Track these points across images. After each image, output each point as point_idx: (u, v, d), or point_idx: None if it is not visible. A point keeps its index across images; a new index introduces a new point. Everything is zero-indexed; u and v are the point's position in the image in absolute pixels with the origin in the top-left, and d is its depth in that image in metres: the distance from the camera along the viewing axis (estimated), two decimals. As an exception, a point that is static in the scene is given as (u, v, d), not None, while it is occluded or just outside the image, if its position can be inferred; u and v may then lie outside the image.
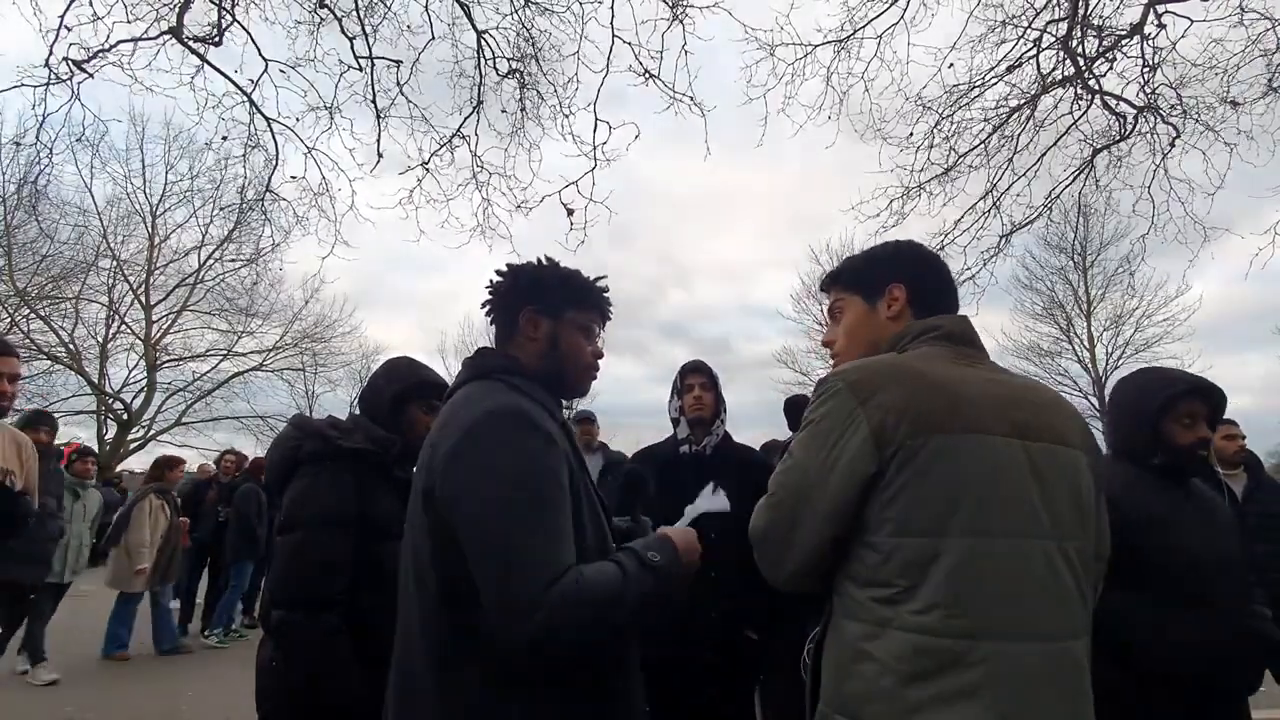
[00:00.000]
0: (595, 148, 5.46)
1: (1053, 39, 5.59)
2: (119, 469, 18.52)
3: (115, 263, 18.91)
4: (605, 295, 1.48)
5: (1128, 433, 1.89)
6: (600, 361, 1.48)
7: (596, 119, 5.44)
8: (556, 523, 1.16)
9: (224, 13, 4.97)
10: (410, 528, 1.28)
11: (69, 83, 4.72)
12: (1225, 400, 1.94)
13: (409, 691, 1.22)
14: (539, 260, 1.47)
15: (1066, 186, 6.34)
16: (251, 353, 21.02)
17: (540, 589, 1.08)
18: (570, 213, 5.50)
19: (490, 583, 1.11)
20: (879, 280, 1.31)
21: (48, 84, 4.68)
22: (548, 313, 1.40)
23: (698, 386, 2.76)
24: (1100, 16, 5.40)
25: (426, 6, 5.43)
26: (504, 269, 1.46)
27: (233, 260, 19.72)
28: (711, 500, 1.67)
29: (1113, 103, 5.70)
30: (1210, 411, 1.90)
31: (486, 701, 1.14)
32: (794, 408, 4.48)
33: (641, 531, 1.49)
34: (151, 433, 20.22)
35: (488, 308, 1.47)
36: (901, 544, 1.02)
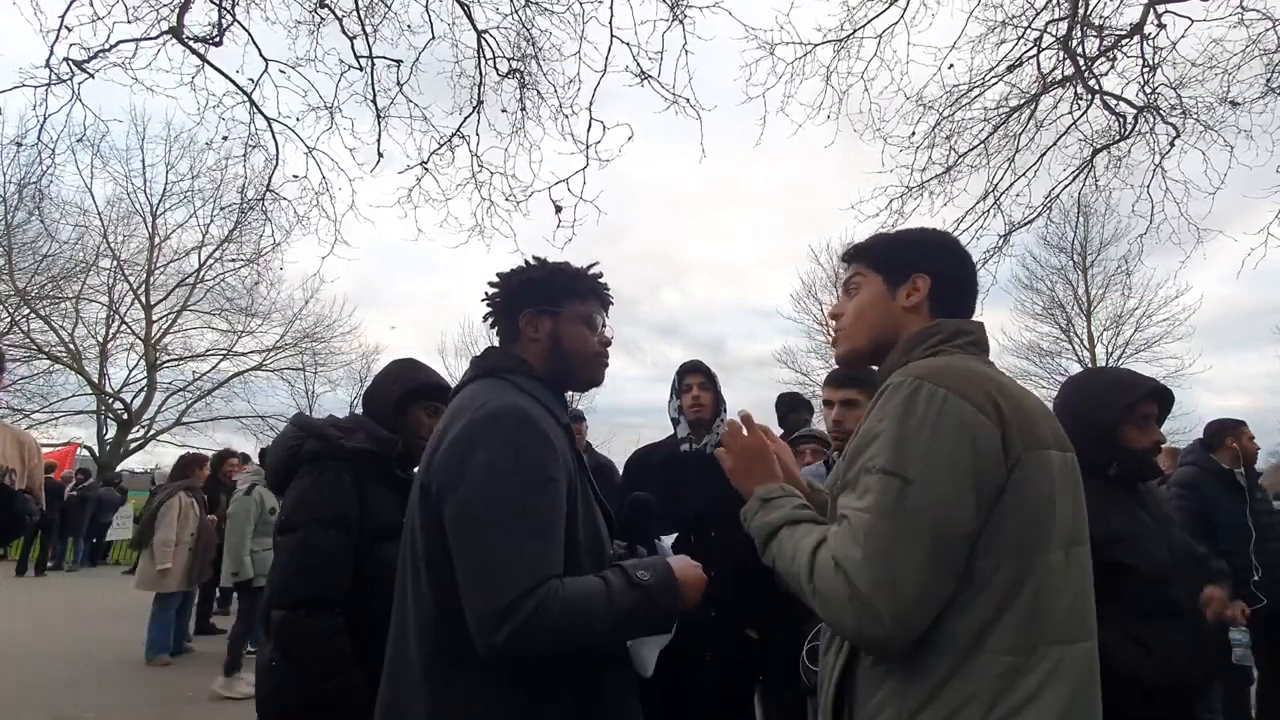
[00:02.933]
0: (589, 147, 5.47)
1: (1053, 39, 5.59)
2: (119, 469, 18.54)
3: (115, 263, 18.94)
4: (600, 281, 1.47)
5: (1084, 445, 1.91)
6: (609, 348, 1.46)
7: (591, 118, 5.45)
8: (543, 529, 1.14)
9: (224, 13, 4.97)
10: (408, 525, 1.28)
11: (70, 83, 4.72)
12: (1174, 401, 1.96)
13: (401, 690, 1.22)
14: (527, 262, 1.46)
15: (1066, 186, 6.36)
16: (251, 352, 21.04)
17: (515, 597, 1.07)
18: (559, 210, 5.51)
19: (468, 585, 1.12)
20: (905, 265, 1.23)
21: (49, 84, 4.68)
22: (546, 311, 1.40)
23: (695, 386, 2.77)
24: (1100, 16, 5.40)
25: (426, 6, 5.44)
26: (495, 278, 1.46)
27: (233, 260, 19.76)
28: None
29: (1113, 103, 5.70)
30: (1160, 413, 1.91)
31: (479, 702, 1.14)
32: (791, 404, 4.43)
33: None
34: (151, 433, 20.25)
35: (489, 319, 1.47)
36: (1002, 564, 0.97)
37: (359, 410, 2.14)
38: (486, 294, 1.46)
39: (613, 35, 5.22)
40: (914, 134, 6.25)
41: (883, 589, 0.94)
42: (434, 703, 1.16)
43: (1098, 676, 1.04)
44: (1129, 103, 5.65)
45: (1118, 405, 1.82)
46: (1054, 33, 5.57)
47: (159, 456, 21.08)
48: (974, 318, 1.25)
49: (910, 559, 0.94)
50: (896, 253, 1.26)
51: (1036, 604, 0.97)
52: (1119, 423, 1.81)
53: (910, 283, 1.22)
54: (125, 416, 19.42)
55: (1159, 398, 1.90)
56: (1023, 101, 6.01)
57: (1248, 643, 3.30)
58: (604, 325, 1.46)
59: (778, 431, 4.11)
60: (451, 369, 17.92)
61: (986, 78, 5.93)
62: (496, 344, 1.47)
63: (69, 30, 4.57)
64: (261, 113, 5.63)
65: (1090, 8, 5.36)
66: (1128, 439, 1.81)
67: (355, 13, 5.34)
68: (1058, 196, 6.45)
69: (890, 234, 1.33)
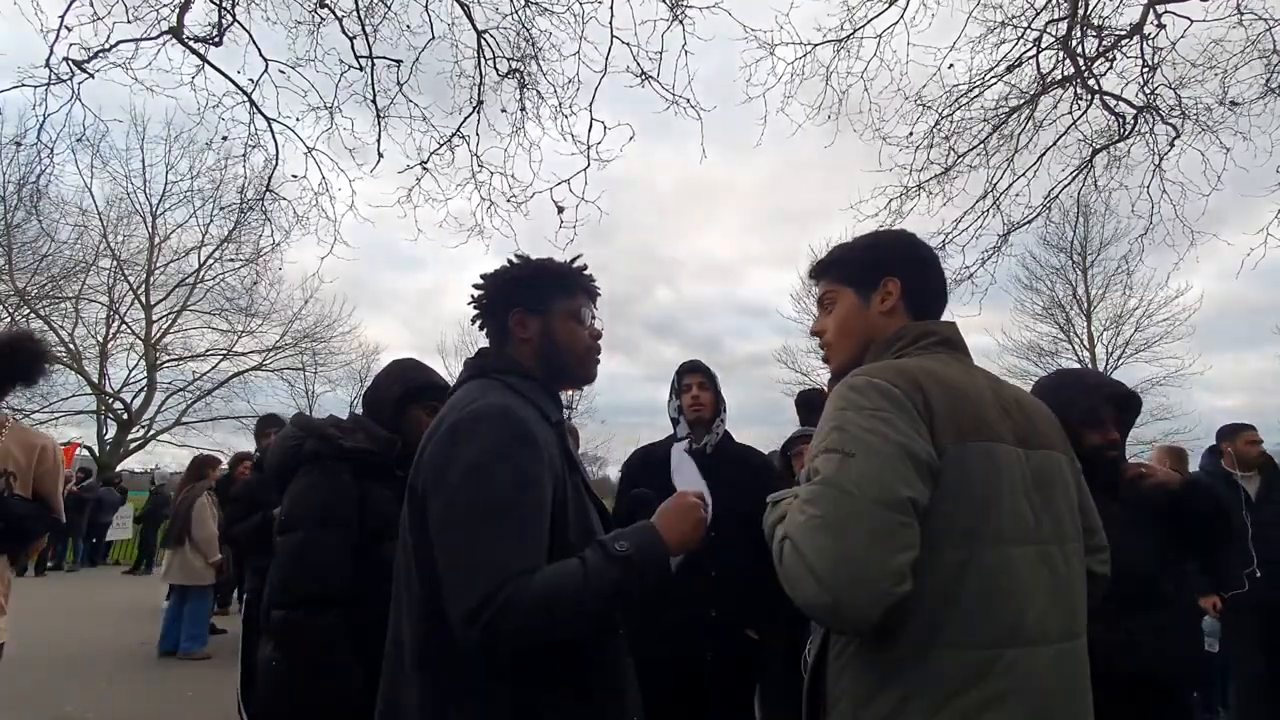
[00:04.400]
0: (590, 147, 5.47)
1: (1052, 39, 5.59)
2: (119, 469, 18.54)
3: (115, 263, 18.94)
4: (587, 275, 1.46)
5: None
6: (601, 342, 1.46)
7: (592, 119, 5.45)
8: (523, 528, 1.14)
9: (224, 13, 4.96)
10: (401, 525, 1.29)
11: (69, 83, 4.71)
12: (1140, 406, 2.04)
13: (396, 689, 1.23)
14: (511, 261, 1.45)
15: (1065, 186, 6.35)
16: (251, 352, 21.04)
17: (486, 593, 1.06)
18: (561, 210, 5.51)
19: (447, 584, 1.12)
20: (873, 273, 1.26)
21: (48, 84, 4.67)
22: (535, 310, 1.39)
23: (695, 386, 2.77)
24: (1100, 16, 5.40)
25: (426, 6, 5.43)
26: (480, 280, 1.45)
27: (233, 260, 19.77)
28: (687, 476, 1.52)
29: (1112, 103, 5.70)
30: (1118, 415, 1.98)
31: (473, 699, 1.15)
32: (808, 403, 4.45)
33: None
34: (151, 433, 20.24)
35: (478, 321, 1.46)
36: (939, 557, 0.97)
37: (359, 410, 2.14)
38: (473, 296, 1.45)
39: (613, 35, 5.22)
40: (913, 134, 6.25)
41: (827, 556, 0.93)
42: (428, 700, 1.16)
43: (1073, 682, 1.02)
44: (1128, 103, 5.65)
45: (1077, 408, 1.89)
46: (1054, 33, 5.57)
47: (159, 456, 21.12)
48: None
49: (857, 525, 0.93)
50: (861, 262, 1.29)
51: (990, 600, 0.97)
52: (1077, 424, 1.87)
53: (881, 288, 1.24)
54: (125, 416, 19.42)
55: (1117, 404, 1.98)
56: (1022, 101, 6.00)
57: (1216, 631, 3.75)
58: (593, 318, 1.46)
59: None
60: (451, 369, 17.89)
61: (986, 78, 5.93)
62: (488, 345, 1.47)
63: (69, 30, 4.57)
64: (261, 113, 5.63)
65: (1090, 8, 5.37)
66: (1076, 439, 1.90)
67: (355, 13, 5.34)
68: (1057, 196, 6.45)
69: (849, 244, 1.35)
